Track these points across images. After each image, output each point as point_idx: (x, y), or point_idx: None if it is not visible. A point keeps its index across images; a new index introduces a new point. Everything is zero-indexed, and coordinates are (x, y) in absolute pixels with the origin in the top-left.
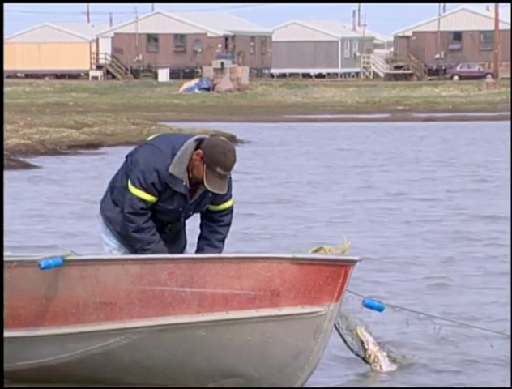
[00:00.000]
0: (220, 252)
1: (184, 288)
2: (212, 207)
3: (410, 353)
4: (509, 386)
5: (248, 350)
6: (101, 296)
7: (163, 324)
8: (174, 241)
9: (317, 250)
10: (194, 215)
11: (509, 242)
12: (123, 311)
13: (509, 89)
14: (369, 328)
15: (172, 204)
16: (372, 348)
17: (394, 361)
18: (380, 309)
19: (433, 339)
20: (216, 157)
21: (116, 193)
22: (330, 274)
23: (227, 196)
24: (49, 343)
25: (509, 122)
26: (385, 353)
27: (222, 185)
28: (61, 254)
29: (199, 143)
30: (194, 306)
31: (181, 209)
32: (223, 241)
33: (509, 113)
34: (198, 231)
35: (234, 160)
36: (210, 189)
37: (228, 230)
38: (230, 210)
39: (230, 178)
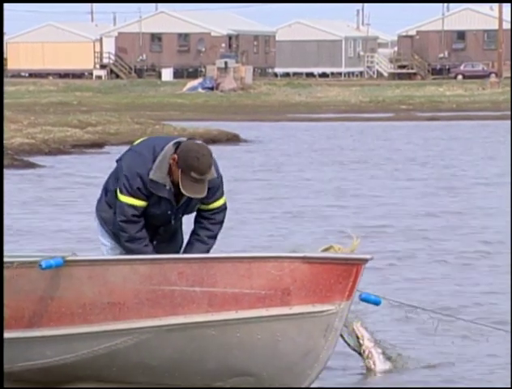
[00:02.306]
0: (210, 248)
1: (194, 288)
2: (203, 207)
3: (406, 351)
4: (509, 386)
5: (258, 349)
6: (109, 296)
7: (172, 324)
8: (170, 241)
9: (326, 249)
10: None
11: (510, 240)
12: (131, 311)
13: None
14: (364, 324)
15: (160, 208)
16: (367, 343)
17: (389, 358)
18: (377, 303)
19: (430, 335)
20: (190, 162)
21: (109, 196)
22: (342, 273)
23: (217, 195)
24: (53, 343)
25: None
26: (380, 350)
27: (199, 189)
28: (62, 255)
29: (177, 147)
30: (203, 306)
31: (169, 212)
32: (213, 237)
33: None
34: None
35: (209, 164)
36: (186, 194)
37: (220, 228)
38: (222, 208)
39: (221, 177)
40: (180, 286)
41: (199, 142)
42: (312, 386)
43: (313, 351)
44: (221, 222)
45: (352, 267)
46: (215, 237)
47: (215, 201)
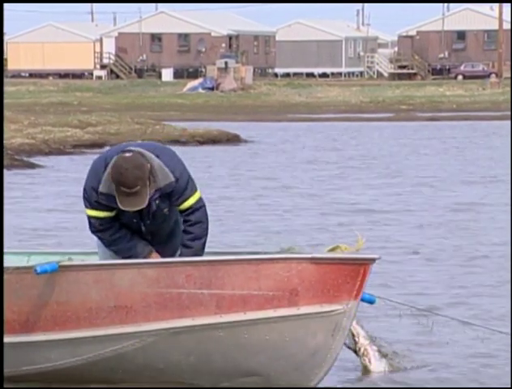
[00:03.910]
0: (196, 250)
1: (202, 290)
2: (177, 208)
3: (401, 350)
4: (509, 386)
5: (265, 350)
6: (116, 299)
7: (180, 326)
8: (166, 243)
9: (333, 249)
10: None
11: (510, 240)
12: (139, 314)
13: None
14: (360, 322)
15: (125, 217)
16: (362, 341)
17: (384, 356)
18: (371, 302)
19: (425, 334)
20: (116, 177)
21: None
22: (350, 272)
23: (184, 196)
24: (58, 347)
25: (510, 122)
26: (375, 348)
27: (135, 201)
28: (57, 260)
29: None
30: (211, 308)
31: (135, 220)
32: (196, 239)
33: None
34: None
35: (134, 178)
36: (122, 208)
37: (200, 227)
38: (195, 208)
39: (185, 177)
40: (188, 289)
41: (128, 154)
42: (319, 385)
43: (321, 350)
44: (199, 222)
45: (359, 266)
46: (198, 239)
47: (183, 202)
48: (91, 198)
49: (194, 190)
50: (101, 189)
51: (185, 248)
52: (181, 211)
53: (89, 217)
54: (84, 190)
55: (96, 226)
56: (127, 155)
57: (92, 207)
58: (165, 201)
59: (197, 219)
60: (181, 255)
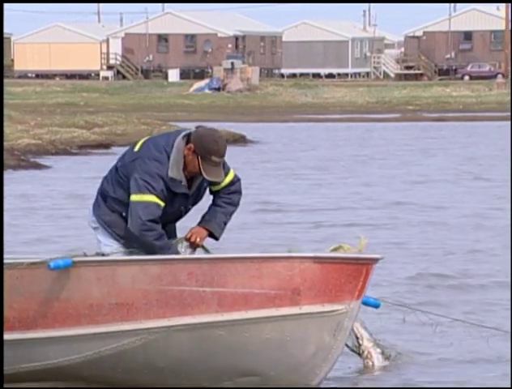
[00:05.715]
0: (227, 212)
1: (204, 288)
2: (215, 188)
3: (405, 351)
4: (509, 385)
5: (266, 349)
6: (117, 297)
7: (181, 324)
8: (170, 238)
9: (336, 249)
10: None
11: (510, 238)
12: (140, 312)
13: None
14: (364, 324)
15: (173, 206)
16: (366, 343)
17: (387, 358)
18: (376, 306)
19: (429, 336)
20: (210, 146)
21: (110, 202)
22: (352, 272)
23: (226, 169)
24: (57, 344)
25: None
26: (379, 350)
27: (219, 172)
28: (72, 255)
29: (188, 138)
30: (213, 306)
31: (182, 208)
32: (230, 204)
33: None
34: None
35: (225, 147)
36: (209, 179)
37: (237, 196)
38: (233, 182)
39: None
40: (189, 286)
41: (209, 127)
42: (320, 386)
43: (322, 350)
44: (238, 191)
45: (362, 266)
46: (232, 204)
47: (225, 175)
48: (158, 187)
49: (229, 166)
50: (170, 174)
51: (217, 206)
52: (221, 188)
53: (151, 204)
54: (147, 181)
55: (156, 214)
56: (209, 127)
57: (156, 195)
58: (207, 184)
59: (236, 188)
60: (211, 211)
